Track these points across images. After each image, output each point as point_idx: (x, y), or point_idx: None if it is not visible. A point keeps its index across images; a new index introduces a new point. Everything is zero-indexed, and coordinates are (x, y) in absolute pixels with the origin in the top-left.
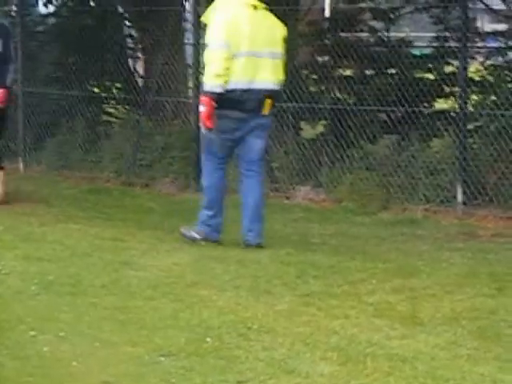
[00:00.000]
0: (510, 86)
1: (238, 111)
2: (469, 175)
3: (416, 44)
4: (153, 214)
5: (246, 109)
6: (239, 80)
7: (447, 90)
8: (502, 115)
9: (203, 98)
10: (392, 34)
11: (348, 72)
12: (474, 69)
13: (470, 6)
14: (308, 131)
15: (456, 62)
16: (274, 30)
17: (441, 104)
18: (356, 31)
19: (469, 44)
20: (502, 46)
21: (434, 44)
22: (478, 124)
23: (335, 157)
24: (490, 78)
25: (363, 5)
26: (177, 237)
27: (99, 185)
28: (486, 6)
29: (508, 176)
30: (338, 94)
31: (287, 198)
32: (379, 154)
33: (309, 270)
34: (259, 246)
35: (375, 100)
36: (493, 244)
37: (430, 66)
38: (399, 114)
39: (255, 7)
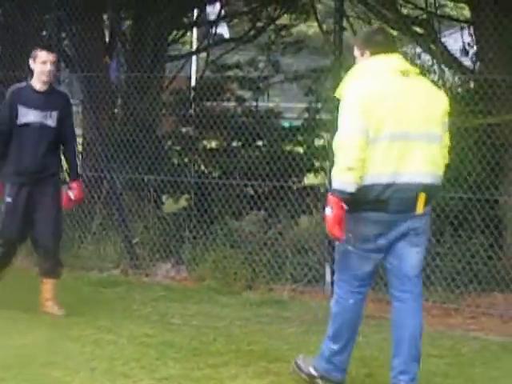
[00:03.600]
0: None
1: (380, 213)
2: None
3: (286, 115)
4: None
5: (390, 209)
6: (379, 172)
7: (317, 164)
8: None
9: (330, 198)
10: (261, 104)
11: (213, 144)
12: None
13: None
14: (170, 205)
15: (327, 135)
16: (431, 103)
17: (310, 179)
18: (223, 101)
19: None
20: None
21: (305, 115)
22: None
23: (198, 233)
24: None
25: (231, 73)
26: (33, 315)
27: None
28: None
29: None
30: (203, 167)
31: (147, 275)
32: (245, 231)
33: (168, 351)
34: None
35: (242, 174)
36: (361, 327)
37: (300, 138)
38: (267, 189)
39: (404, 73)
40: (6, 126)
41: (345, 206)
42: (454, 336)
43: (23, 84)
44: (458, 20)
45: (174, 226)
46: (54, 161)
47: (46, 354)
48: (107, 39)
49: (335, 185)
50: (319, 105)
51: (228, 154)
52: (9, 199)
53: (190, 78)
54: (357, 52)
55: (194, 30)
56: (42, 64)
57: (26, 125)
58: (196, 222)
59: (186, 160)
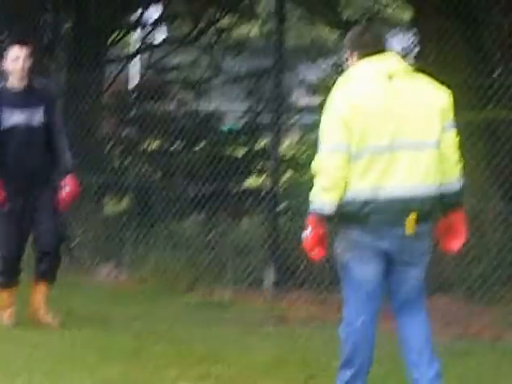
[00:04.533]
0: None
1: (363, 230)
2: (279, 257)
3: (227, 118)
4: None
5: (371, 226)
6: (359, 187)
7: (258, 166)
8: None
9: (310, 219)
10: (202, 106)
11: (154, 146)
12: (287, 145)
13: (284, 78)
14: (111, 207)
15: (268, 138)
16: (423, 106)
17: (252, 181)
18: (164, 103)
19: (281, 119)
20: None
21: (246, 118)
22: (289, 203)
23: (139, 235)
24: (304, 156)
25: (171, 76)
26: None
27: None
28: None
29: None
30: (144, 169)
31: (89, 277)
32: (186, 233)
33: (110, 353)
34: None
35: (183, 176)
36: (304, 329)
37: (241, 141)
38: (208, 191)
39: (391, 77)
40: None
41: (323, 227)
42: (393, 339)
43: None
44: (399, 22)
45: (115, 228)
46: (47, 162)
47: None
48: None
49: (314, 205)
50: (260, 107)
51: (169, 157)
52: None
53: (127, 80)
54: (346, 54)
55: (135, 32)
56: (13, 61)
57: (11, 128)
58: (137, 224)
59: (127, 162)
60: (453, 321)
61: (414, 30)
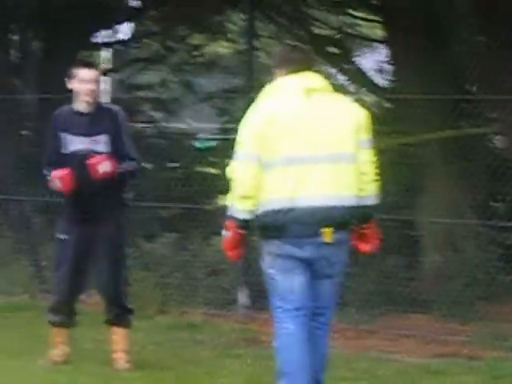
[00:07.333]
0: None
1: (281, 239)
2: (251, 277)
3: (199, 136)
4: None
5: (289, 236)
6: (274, 197)
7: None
8: None
9: (227, 223)
10: (173, 125)
11: None
12: None
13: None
14: None
15: None
16: (339, 121)
17: (224, 200)
18: (135, 122)
19: None
20: None
21: (219, 136)
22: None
23: None
24: None
25: (142, 94)
26: None
27: None
28: None
29: None
30: None
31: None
32: (157, 253)
33: (80, 378)
34: None
35: (154, 196)
36: (247, 350)
37: (213, 159)
38: (179, 211)
39: (309, 92)
40: (54, 156)
41: (241, 231)
42: (369, 358)
43: (66, 107)
44: (372, 40)
45: None
46: (113, 194)
47: None
48: (17, 60)
49: (231, 211)
50: (232, 125)
51: (141, 176)
52: (62, 236)
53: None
54: (275, 70)
55: (106, 50)
56: (82, 83)
57: (74, 153)
58: None
59: None
60: (430, 339)
61: (387, 46)
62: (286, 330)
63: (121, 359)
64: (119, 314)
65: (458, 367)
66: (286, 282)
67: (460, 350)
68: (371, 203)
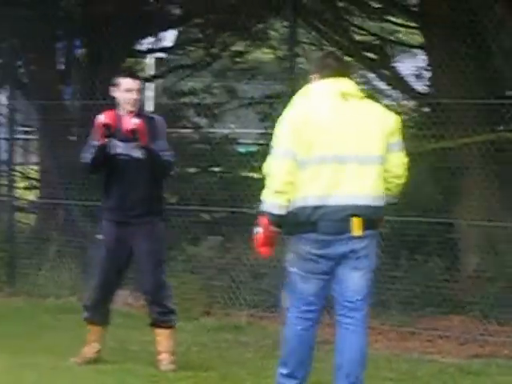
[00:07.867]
0: None
1: (312, 234)
2: None
3: (242, 141)
4: None
5: (320, 231)
6: (308, 194)
7: None
8: None
9: (260, 219)
10: (217, 130)
11: None
12: None
13: None
14: None
15: None
16: (370, 125)
17: None
18: (179, 127)
19: None
20: None
21: (261, 141)
22: None
23: None
24: None
25: (186, 100)
26: None
27: None
28: None
29: None
30: None
31: None
32: (202, 257)
33: (127, 378)
34: None
35: (198, 200)
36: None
37: (256, 163)
38: (223, 215)
39: (345, 96)
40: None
41: (274, 228)
42: (410, 359)
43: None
44: (411, 46)
45: None
46: (151, 198)
47: (3, 383)
48: (63, 67)
49: (264, 207)
50: (273, 130)
51: (185, 181)
52: (100, 236)
53: (143, 104)
54: (311, 76)
55: (150, 57)
56: (125, 92)
57: (116, 156)
58: None
59: None
60: (468, 340)
61: (426, 52)
62: (294, 330)
63: (165, 360)
64: (162, 314)
65: (498, 367)
66: (304, 283)
67: (500, 351)
68: (387, 203)
